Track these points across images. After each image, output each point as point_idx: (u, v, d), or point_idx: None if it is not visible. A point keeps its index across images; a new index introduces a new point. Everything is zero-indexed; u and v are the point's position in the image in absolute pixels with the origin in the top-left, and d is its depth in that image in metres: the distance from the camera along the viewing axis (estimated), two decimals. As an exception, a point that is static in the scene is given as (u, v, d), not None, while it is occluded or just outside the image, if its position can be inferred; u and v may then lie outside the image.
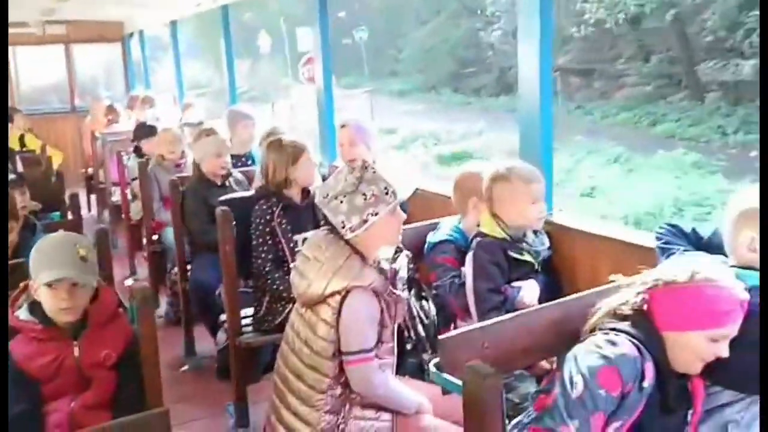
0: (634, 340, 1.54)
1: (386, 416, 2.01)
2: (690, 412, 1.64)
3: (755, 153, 12.97)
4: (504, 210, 2.30)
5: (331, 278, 1.93)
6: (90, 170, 6.88)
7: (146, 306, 1.89)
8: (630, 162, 12.61)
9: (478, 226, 2.37)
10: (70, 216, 3.45)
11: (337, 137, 3.41)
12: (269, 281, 2.84)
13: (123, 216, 5.02)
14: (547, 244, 2.39)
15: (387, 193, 2.00)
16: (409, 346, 2.27)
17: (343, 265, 1.95)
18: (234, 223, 2.85)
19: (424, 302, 2.46)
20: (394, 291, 2.05)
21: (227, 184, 3.69)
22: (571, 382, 1.50)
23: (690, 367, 1.59)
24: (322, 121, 4.25)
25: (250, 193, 3.15)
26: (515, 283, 2.27)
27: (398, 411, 2.01)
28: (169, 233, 4.06)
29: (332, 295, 1.93)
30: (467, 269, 2.32)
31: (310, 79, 10.60)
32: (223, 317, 3.12)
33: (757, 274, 1.70)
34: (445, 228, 2.54)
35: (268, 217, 2.86)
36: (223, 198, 3.15)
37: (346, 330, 1.94)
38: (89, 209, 6.84)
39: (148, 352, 1.90)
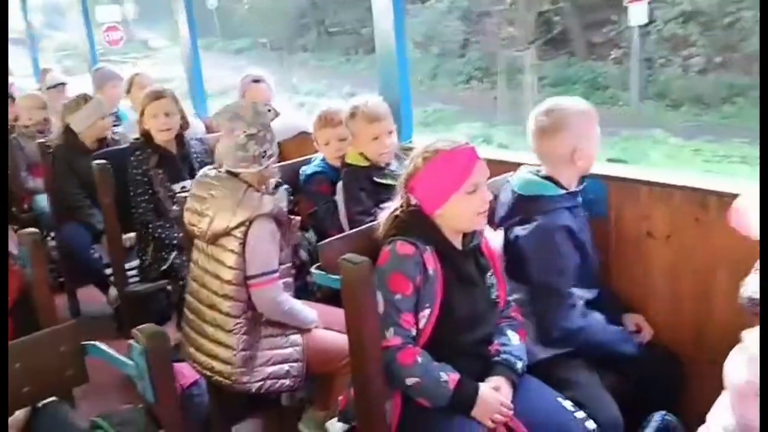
0: (408, 239, 1.71)
1: (292, 330, 2.20)
2: (490, 272, 1.83)
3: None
4: (356, 144, 2.53)
5: (236, 210, 2.09)
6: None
7: (36, 249, 1.96)
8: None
9: (344, 158, 2.60)
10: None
11: (245, 90, 3.48)
12: (151, 230, 2.94)
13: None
14: (409, 168, 2.65)
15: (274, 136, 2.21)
16: (294, 271, 2.47)
17: (244, 197, 2.11)
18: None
19: (305, 232, 2.68)
20: (290, 216, 2.25)
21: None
22: (377, 301, 1.69)
23: (471, 224, 1.77)
24: (190, 77, 4.31)
25: (126, 145, 3.19)
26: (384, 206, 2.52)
27: (299, 326, 2.22)
28: (40, 200, 3.99)
29: (238, 226, 2.09)
30: (338, 197, 2.56)
31: (111, 43, 11.75)
32: (109, 271, 3.19)
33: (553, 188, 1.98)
34: (316, 161, 2.75)
35: (144, 167, 2.93)
36: (99, 152, 3.16)
37: (253, 255, 2.10)
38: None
39: (41, 294, 1.98)
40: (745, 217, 1.51)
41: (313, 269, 1.87)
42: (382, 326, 1.67)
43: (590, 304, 2.06)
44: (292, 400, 2.53)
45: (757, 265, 1.37)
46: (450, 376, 1.67)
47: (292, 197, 2.66)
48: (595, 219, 2.14)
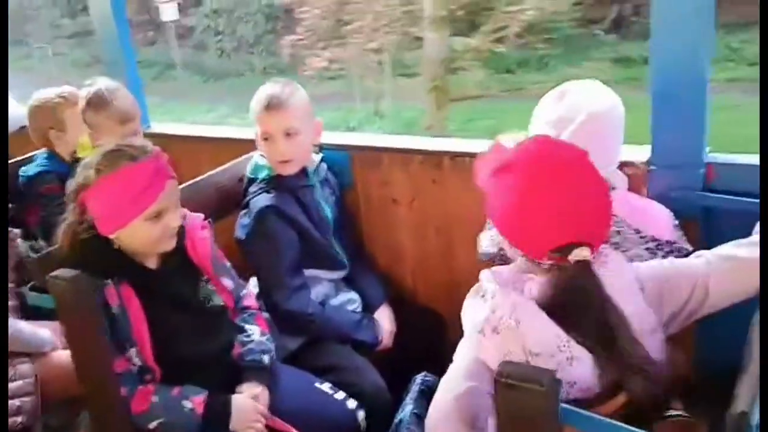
0: (86, 274, 1.45)
1: (23, 358, 1.94)
2: (203, 280, 1.66)
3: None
4: (102, 134, 2.25)
5: None
6: None
7: None
8: None
9: (75, 152, 2.31)
10: None
11: None
12: None
13: None
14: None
15: None
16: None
17: None
18: None
19: (34, 241, 2.35)
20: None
21: None
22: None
23: (155, 249, 1.56)
24: None
25: None
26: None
27: (31, 352, 1.97)
28: None
29: None
30: None
31: None
32: None
33: None
34: (39, 160, 2.41)
35: None
36: None
37: None
38: None
39: None
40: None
41: (25, 289, 1.62)
42: None
43: (349, 283, 2.07)
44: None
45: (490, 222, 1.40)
46: (195, 401, 1.53)
47: (11, 204, 2.31)
48: (344, 191, 2.12)
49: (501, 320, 1.15)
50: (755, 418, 0.91)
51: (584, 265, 1.16)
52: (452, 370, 1.35)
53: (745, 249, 1.23)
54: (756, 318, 1.11)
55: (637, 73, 7.69)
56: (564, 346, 1.10)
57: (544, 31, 7.96)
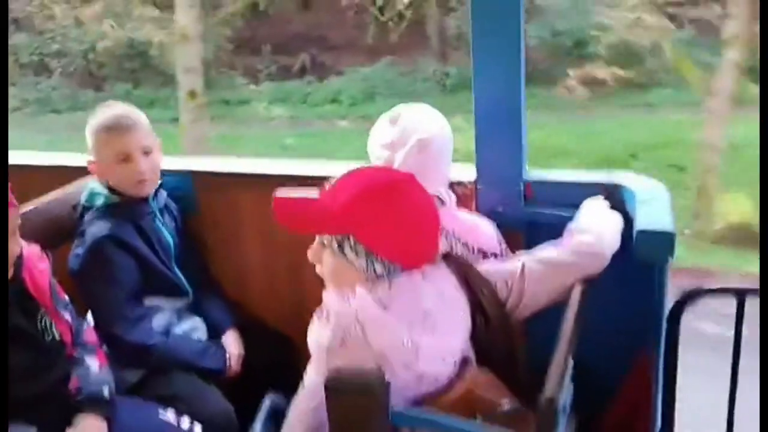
0: None
1: None
2: (41, 313, 1.56)
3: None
4: None
5: None
6: None
7: None
8: None
9: None
10: None
11: None
12: None
13: None
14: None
15: None
16: None
17: None
18: None
19: None
20: None
21: None
22: None
23: None
24: None
25: None
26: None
27: None
28: None
29: None
30: None
31: None
32: None
33: None
34: None
35: None
36: None
37: None
38: None
39: None
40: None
41: None
42: None
43: (195, 310, 2.02)
44: None
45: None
46: None
47: None
48: (188, 217, 2.09)
49: (347, 331, 1.19)
50: (562, 401, 1.02)
51: None
52: (301, 392, 1.38)
53: (555, 251, 1.38)
54: (566, 315, 1.24)
55: (227, 111, 10.35)
56: (407, 341, 1.16)
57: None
